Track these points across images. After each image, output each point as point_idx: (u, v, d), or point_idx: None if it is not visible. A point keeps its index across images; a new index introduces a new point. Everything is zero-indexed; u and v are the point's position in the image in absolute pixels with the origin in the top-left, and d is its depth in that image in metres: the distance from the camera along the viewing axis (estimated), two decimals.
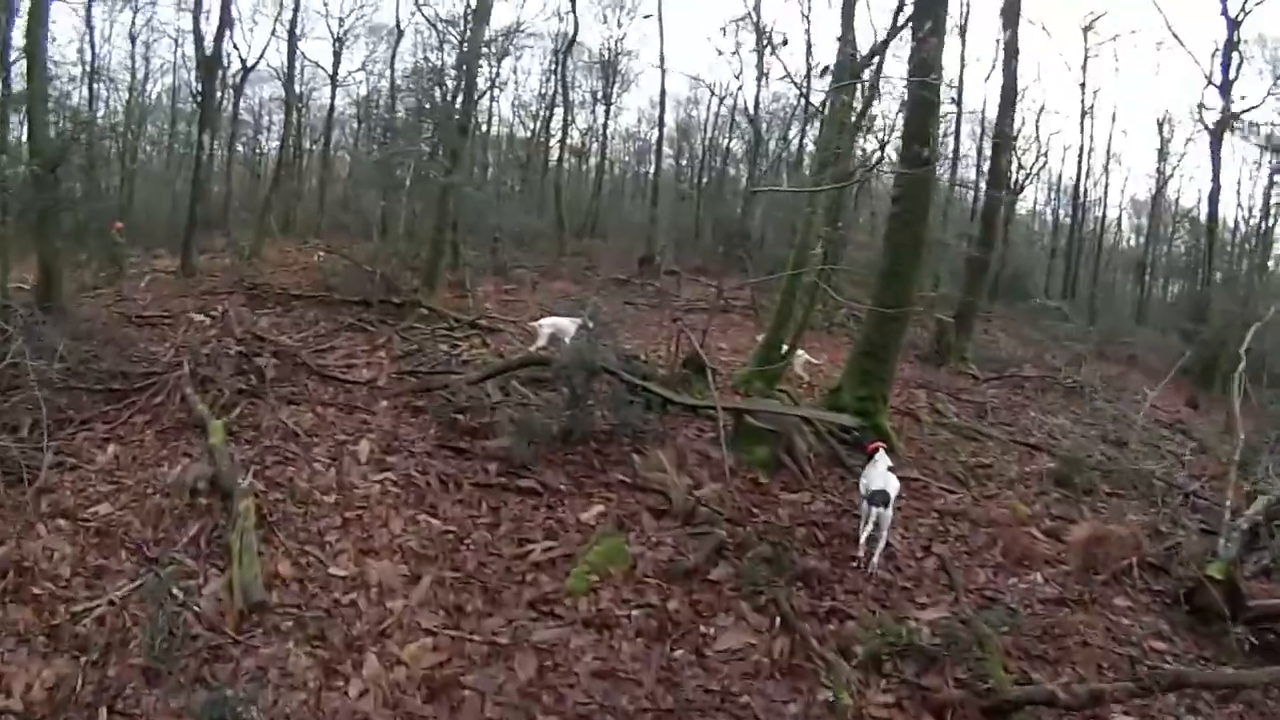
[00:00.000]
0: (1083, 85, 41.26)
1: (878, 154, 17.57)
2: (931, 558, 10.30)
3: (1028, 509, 12.40)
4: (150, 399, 12.17)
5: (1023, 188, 40.55)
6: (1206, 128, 36.63)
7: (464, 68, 26.27)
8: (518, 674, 7.18)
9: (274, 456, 10.87)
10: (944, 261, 30.61)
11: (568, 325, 16.57)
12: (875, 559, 9.54)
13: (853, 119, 16.08)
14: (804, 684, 7.39)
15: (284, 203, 36.72)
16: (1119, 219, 51.50)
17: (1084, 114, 42.06)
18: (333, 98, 42.51)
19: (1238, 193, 40.91)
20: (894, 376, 15.18)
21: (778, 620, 8.16)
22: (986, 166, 33.95)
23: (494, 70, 40.08)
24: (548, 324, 17.06)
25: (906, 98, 15.24)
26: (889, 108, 21.77)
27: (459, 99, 26.76)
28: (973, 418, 18.22)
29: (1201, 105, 37.15)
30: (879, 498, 9.56)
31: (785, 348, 16.58)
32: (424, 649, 7.38)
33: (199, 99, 33.42)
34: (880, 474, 9.99)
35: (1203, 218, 39.06)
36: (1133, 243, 51.07)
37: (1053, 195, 49.47)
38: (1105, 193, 47.68)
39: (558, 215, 39.82)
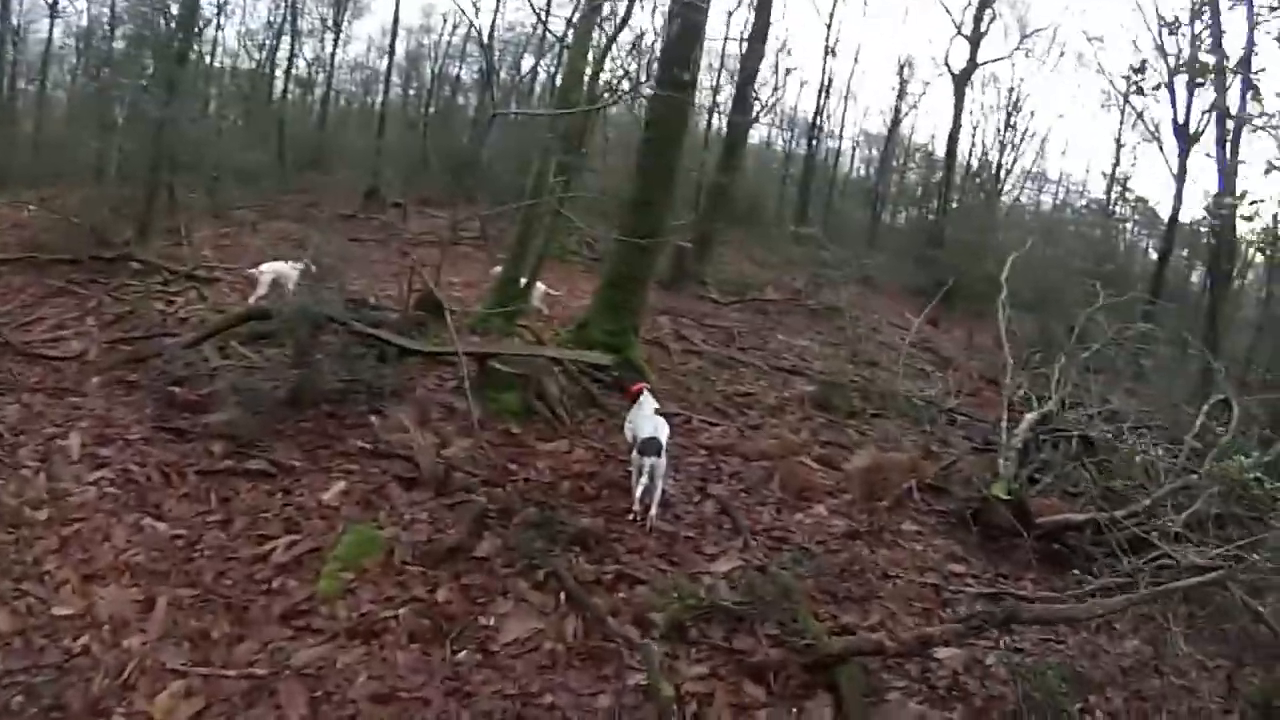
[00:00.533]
0: (828, 25, 41.11)
1: (627, 80, 16.19)
2: (709, 500, 9.41)
3: (796, 437, 11.80)
4: None
5: (758, 118, 40.57)
6: (952, 73, 39.02)
7: None
8: (288, 713, 5.69)
9: None
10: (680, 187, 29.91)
11: (290, 271, 14.97)
12: (653, 511, 8.46)
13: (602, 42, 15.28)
14: (608, 668, 6.29)
15: None
16: (852, 151, 52.48)
17: (827, 51, 42.18)
18: (50, 30, 36.32)
19: (972, 134, 42.76)
20: (645, 308, 14.22)
21: (562, 596, 7.02)
22: (722, 96, 35.19)
23: None
24: (268, 270, 15.20)
25: (668, 20, 13.89)
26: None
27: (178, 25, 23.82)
28: (721, 344, 17.57)
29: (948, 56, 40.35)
30: (651, 446, 8.50)
31: (524, 281, 15.46)
32: (175, 697, 5.71)
33: None
34: (648, 419, 9.01)
35: (940, 153, 42.15)
36: (863, 173, 51.93)
37: (788, 126, 49.54)
38: (842, 126, 49.10)
39: (279, 150, 36.88)
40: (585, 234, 26.37)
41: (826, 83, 44.05)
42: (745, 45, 26.47)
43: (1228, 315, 21.33)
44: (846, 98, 48.46)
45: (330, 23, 42.75)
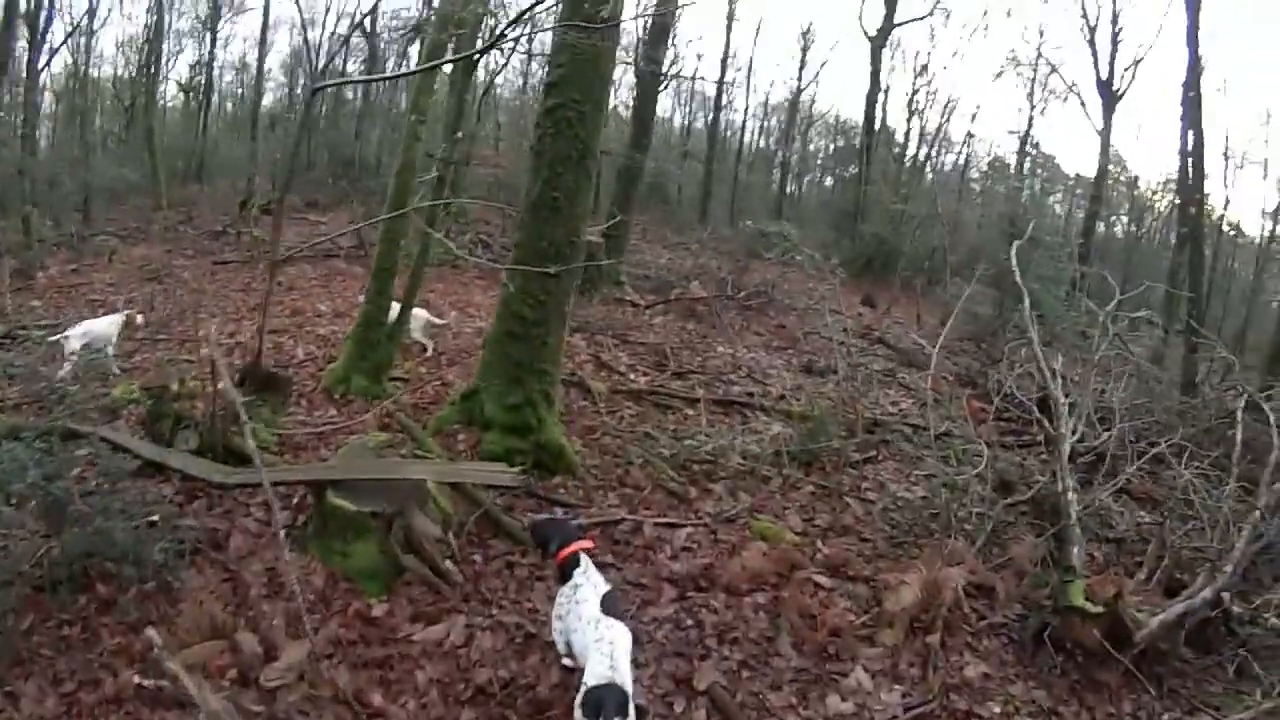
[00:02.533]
0: None
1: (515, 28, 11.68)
2: (700, 701, 5.61)
3: (791, 534, 8.09)
4: None
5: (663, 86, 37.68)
6: (868, 37, 35.33)
7: None
8: None
9: None
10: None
11: (106, 328, 11.98)
12: None
13: None
14: None
15: None
16: (755, 121, 48.00)
17: (729, 18, 38.61)
18: None
19: (882, 99, 38.06)
20: (559, 360, 9.67)
21: None
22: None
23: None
24: (76, 334, 11.55)
25: None
26: None
27: None
28: (653, 368, 13.68)
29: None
30: (613, 702, 4.42)
31: (394, 311, 11.63)
32: None
33: None
34: (601, 635, 4.85)
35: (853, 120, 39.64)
36: (763, 144, 48.13)
37: (685, 100, 45.88)
38: (748, 95, 46.00)
39: (151, 164, 32.01)
40: (478, 230, 22.58)
41: (729, 55, 40.07)
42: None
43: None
44: (750, 70, 46.53)
45: (206, 21, 37.77)
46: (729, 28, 40.11)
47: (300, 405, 10.58)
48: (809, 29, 42.31)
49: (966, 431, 10.30)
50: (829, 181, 45.02)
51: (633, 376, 12.95)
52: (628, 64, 24.37)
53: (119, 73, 40.18)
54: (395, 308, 11.58)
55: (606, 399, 11.42)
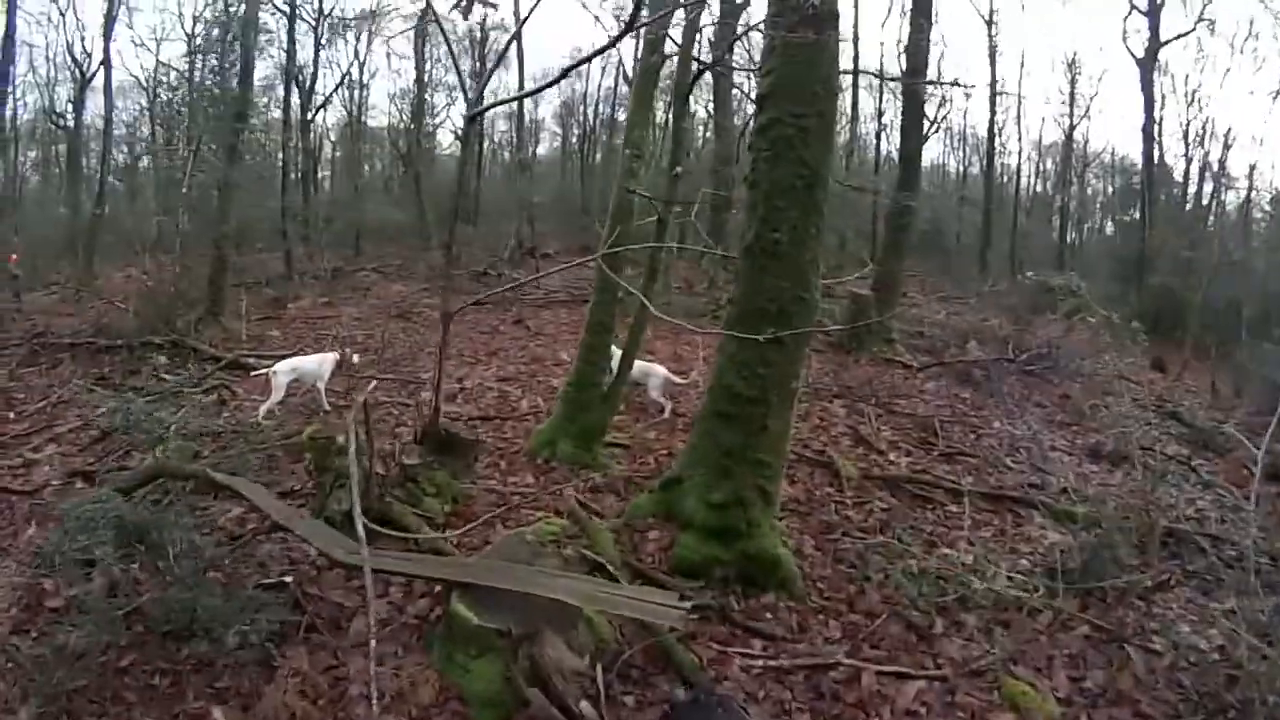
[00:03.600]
0: (988, 21, 34.59)
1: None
2: None
3: (1050, 696, 6.19)
4: None
5: (927, 137, 35.05)
6: (1135, 57, 31.66)
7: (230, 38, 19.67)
8: None
9: None
10: (848, 215, 24.21)
11: (314, 366, 11.92)
12: None
13: None
14: None
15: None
16: (1030, 164, 44.78)
17: (991, 51, 35.17)
18: (108, 77, 31.73)
19: (1159, 132, 33.59)
20: (784, 450, 7.90)
21: None
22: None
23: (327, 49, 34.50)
24: (285, 370, 11.61)
25: None
26: None
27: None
28: (918, 445, 11.86)
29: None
30: None
31: (614, 367, 10.43)
32: None
33: None
34: None
35: (1130, 154, 35.79)
36: (1039, 188, 44.63)
37: (958, 143, 43.17)
38: (1021, 136, 42.97)
39: (419, 205, 33.35)
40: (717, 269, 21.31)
41: (995, 90, 36.57)
42: (906, 22, 19.74)
43: None
44: (1020, 106, 42.27)
45: (474, 73, 38.37)
46: (993, 61, 36.27)
47: (498, 468, 9.69)
48: (1074, 59, 39.37)
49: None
50: (1110, 228, 40.89)
51: (893, 457, 11.16)
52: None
53: (391, 122, 41.85)
54: (616, 357, 10.37)
55: (856, 485, 9.80)
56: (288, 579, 6.33)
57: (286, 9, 28.89)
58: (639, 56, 12.57)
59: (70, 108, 32.46)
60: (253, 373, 12.82)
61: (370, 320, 18.56)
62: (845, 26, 11.85)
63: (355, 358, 12.59)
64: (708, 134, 33.42)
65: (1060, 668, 6.62)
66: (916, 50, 19.08)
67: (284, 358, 12.60)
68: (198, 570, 5.97)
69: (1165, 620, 7.51)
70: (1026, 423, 13.19)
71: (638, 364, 10.74)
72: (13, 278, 21.38)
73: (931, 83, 21.61)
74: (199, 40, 26.01)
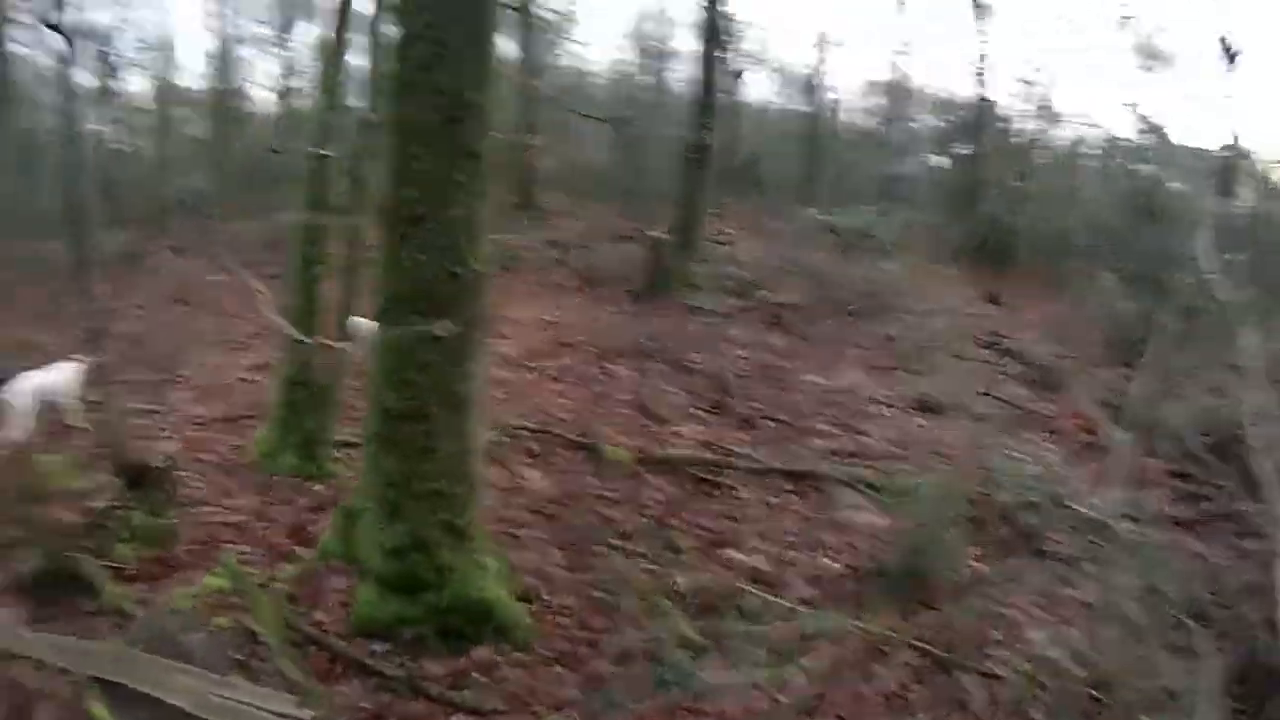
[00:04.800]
0: None
1: None
2: None
3: None
4: None
5: (742, 71, 33.36)
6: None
7: None
8: None
9: None
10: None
11: (59, 380, 9.01)
12: None
13: None
14: None
15: None
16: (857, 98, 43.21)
17: None
18: None
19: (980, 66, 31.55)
20: (469, 470, 5.41)
21: None
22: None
23: None
24: (24, 391, 8.71)
25: None
26: None
27: None
28: (713, 411, 9.81)
29: None
30: None
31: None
32: None
33: None
34: None
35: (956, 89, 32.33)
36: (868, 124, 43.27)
37: (781, 84, 41.43)
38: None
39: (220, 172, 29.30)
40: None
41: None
42: None
43: None
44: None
45: None
46: None
47: (223, 488, 7.54)
48: None
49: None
50: (936, 162, 40.00)
51: (678, 426, 9.16)
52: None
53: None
54: (362, 330, 7.86)
55: (628, 472, 7.74)
56: None
57: None
58: None
59: None
60: None
61: (156, 309, 15.73)
62: None
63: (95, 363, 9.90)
64: None
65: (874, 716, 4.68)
66: None
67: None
68: None
69: (1010, 627, 5.63)
70: (843, 368, 11.35)
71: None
72: None
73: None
74: None
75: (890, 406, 10.15)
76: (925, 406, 10.24)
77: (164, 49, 33.10)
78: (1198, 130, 31.97)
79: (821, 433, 9.22)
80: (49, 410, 9.32)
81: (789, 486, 7.62)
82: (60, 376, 9.05)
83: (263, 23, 33.76)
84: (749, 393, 10.17)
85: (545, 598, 5.72)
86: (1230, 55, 23.07)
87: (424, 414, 5.16)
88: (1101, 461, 8.29)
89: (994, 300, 18.07)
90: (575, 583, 5.93)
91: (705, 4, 17.77)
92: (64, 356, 9.99)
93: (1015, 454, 8.46)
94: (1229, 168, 24.84)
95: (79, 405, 9.11)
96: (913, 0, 37.45)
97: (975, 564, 6.38)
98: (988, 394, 10.19)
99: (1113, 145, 33.41)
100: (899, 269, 16.43)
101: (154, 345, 12.89)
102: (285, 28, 31.04)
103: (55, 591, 5.73)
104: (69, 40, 20.71)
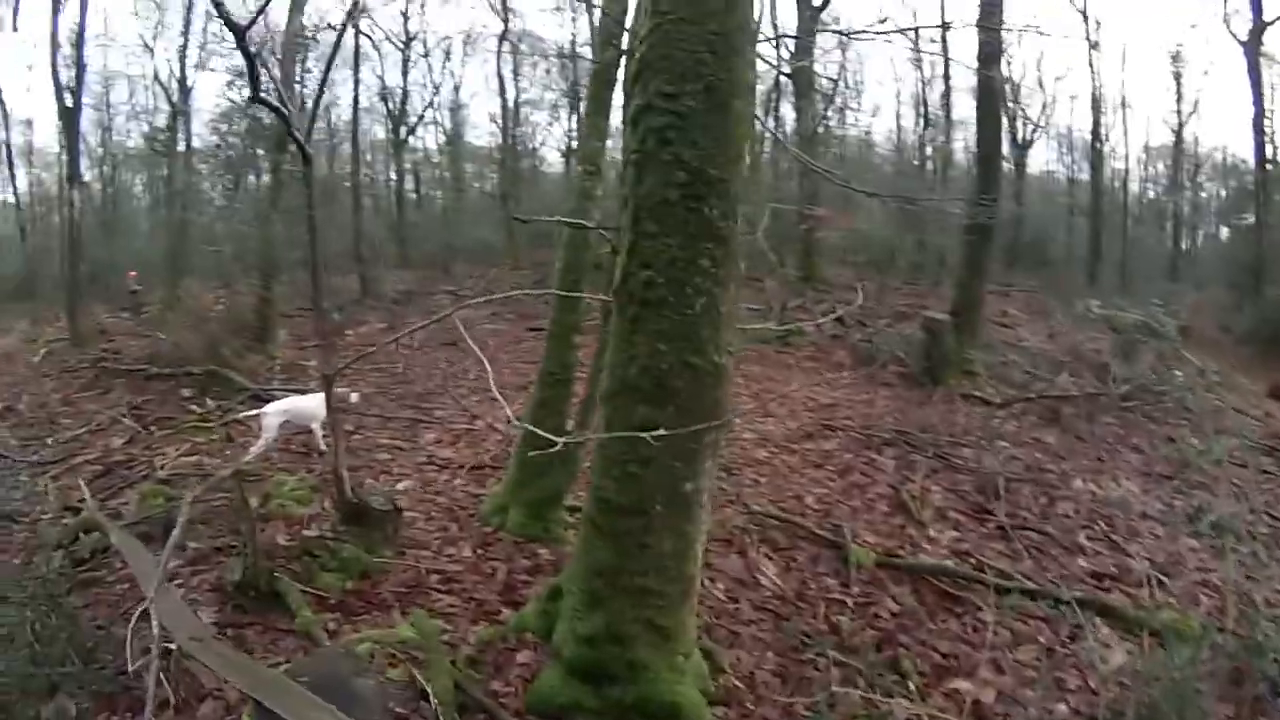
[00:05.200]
0: (1084, 13, 31.56)
1: None
2: None
3: None
4: None
5: (1030, 141, 31.95)
6: (1238, 40, 27.30)
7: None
8: None
9: None
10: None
11: (311, 407, 10.02)
12: None
13: None
14: None
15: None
16: (1139, 166, 40.91)
17: (1090, 47, 32.15)
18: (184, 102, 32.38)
19: (1270, 124, 28.75)
20: (686, 575, 5.26)
21: None
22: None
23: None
24: (274, 411, 10.04)
25: None
26: None
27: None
28: (970, 512, 9.41)
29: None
30: None
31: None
32: None
33: None
34: None
35: (1239, 151, 32.56)
36: (1151, 193, 40.80)
37: (1063, 150, 39.47)
38: (1126, 138, 39.26)
39: (507, 225, 31.47)
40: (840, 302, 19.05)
41: (1099, 87, 33.28)
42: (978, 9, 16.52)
43: None
44: (1123, 105, 38.32)
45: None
46: (1092, 57, 33.24)
47: (445, 535, 8.04)
48: (1178, 52, 34.59)
49: None
50: (1224, 233, 36.80)
51: (934, 531, 8.75)
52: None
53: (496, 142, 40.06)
54: None
55: (868, 577, 7.55)
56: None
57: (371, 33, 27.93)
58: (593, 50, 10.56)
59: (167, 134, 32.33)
60: (242, 415, 11.65)
61: (425, 346, 16.95)
62: None
63: (354, 396, 10.89)
64: None
65: None
66: (987, 36, 16.22)
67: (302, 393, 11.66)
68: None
69: None
70: (1116, 475, 10.70)
71: None
72: (131, 293, 23.07)
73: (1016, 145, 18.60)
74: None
75: (1162, 524, 9.46)
76: (1194, 522, 9.48)
77: (457, 108, 35.47)
78: None
79: (1081, 549, 8.62)
80: (300, 433, 10.48)
81: (1039, 611, 7.19)
82: (314, 403, 9.88)
83: (548, 88, 35.91)
84: (1014, 497, 9.67)
85: (747, 706, 5.59)
86: None
87: (642, 509, 5.05)
88: None
89: (1276, 394, 16.57)
90: (783, 694, 5.79)
91: (979, 68, 17.14)
92: (352, 380, 11.12)
93: None
94: None
95: (321, 430, 10.04)
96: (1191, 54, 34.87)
97: None
98: (1270, 513, 9.37)
99: None
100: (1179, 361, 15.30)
101: (415, 383, 13.79)
102: (573, 91, 32.59)
103: (255, 604, 6.32)
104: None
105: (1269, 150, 27.59)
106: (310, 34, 24.00)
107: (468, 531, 8.11)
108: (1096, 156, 33.72)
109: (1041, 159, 38.93)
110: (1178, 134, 35.46)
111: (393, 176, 34.38)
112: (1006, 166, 20.91)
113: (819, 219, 20.36)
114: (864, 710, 5.58)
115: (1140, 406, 13.40)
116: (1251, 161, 28.48)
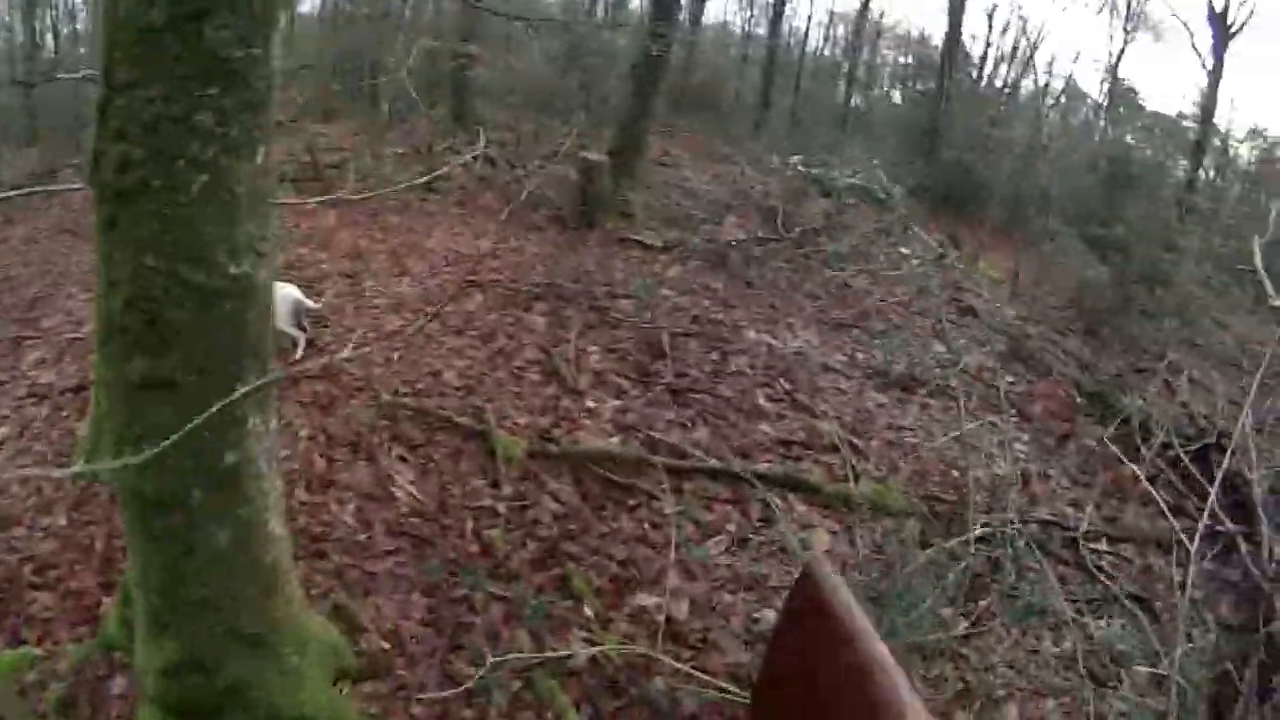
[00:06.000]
0: None
1: None
2: None
3: None
4: None
5: None
6: None
7: None
8: None
9: None
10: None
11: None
12: None
13: None
14: None
15: None
16: (820, 28, 40.85)
17: None
18: None
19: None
20: (273, 568, 3.56)
21: None
22: None
23: None
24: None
25: None
26: None
27: None
28: (636, 375, 8.03)
29: None
30: None
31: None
32: None
33: None
34: None
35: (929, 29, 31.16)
36: (828, 54, 40.98)
37: (742, 3, 38.90)
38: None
39: None
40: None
41: None
42: None
43: None
44: None
45: None
46: None
47: (33, 509, 5.54)
48: None
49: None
50: (898, 97, 37.87)
51: (592, 402, 7.37)
52: None
53: None
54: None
55: (519, 472, 6.03)
56: None
57: None
58: None
59: None
60: None
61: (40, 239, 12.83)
62: None
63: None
64: None
65: None
66: None
67: None
68: None
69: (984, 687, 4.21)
70: (792, 323, 9.67)
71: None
72: None
73: None
74: None
75: (847, 378, 8.50)
76: (884, 377, 8.62)
77: None
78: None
79: (763, 411, 7.54)
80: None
81: (726, 494, 5.98)
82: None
83: None
84: (684, 356, 8.41)
85: (399, 673, 4.14)
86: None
87: (177, 500, 3.25)
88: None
89: (953, 241, 16.45)
90: (441, 648, 4.33)
91: None
92: None
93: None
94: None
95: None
96: None
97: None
98: (953, 366, 8.64)
99: (1086, 103, 31.89)
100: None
101: (30, 285, 10.47)
102: None
103: None
104: None
105: (962, 29, 28.02)
106: None
107: (62, 489, 5.74)
108: (776, 10, 33.01)
109: (720, 8, 38.30)
110: (864, 2, 35.25)
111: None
112: (681, 16, 19.59)
113: (473, 57, 18.32)
114: (538, 659, 4.20)
115: (814, 252, 12.48)
116: (939, 41, 28.89)
